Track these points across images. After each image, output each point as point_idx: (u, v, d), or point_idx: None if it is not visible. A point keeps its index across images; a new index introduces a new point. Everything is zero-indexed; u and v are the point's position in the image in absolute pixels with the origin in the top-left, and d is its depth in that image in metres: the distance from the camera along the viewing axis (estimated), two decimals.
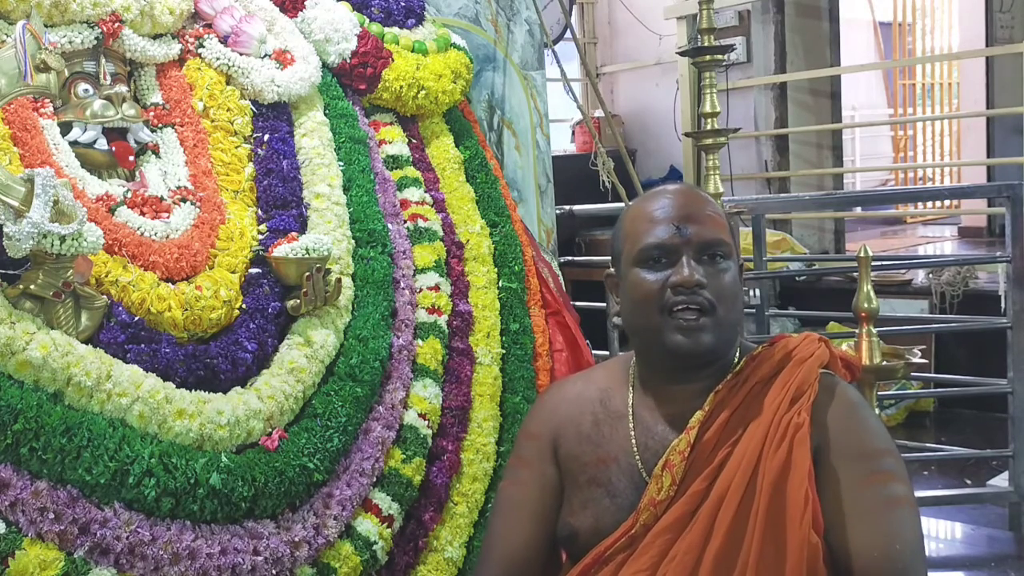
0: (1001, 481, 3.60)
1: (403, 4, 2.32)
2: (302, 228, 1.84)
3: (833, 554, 1.23)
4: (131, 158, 1.74)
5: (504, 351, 2.12)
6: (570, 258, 4.56)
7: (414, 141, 2.24)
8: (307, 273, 1.71)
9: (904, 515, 1.23)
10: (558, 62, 3.06)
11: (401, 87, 2.16)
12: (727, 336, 1.32)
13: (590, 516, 1.36)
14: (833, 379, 1.33)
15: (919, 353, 1.99)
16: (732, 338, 1.35)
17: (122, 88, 1.73)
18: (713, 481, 1.27)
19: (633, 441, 1.36)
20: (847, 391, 1.33)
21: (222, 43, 1.93)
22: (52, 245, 1.36)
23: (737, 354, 1.38)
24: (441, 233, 2.13)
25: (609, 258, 1.45)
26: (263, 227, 1.81)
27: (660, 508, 1.28)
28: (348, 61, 2.10)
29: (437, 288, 2.03)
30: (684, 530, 1.26)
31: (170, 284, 1.60)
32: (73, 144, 1.66)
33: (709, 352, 1.31)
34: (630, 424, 1.38)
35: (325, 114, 2.03)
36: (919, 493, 2.42)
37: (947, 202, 8.14)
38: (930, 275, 4.99)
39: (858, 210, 7.08)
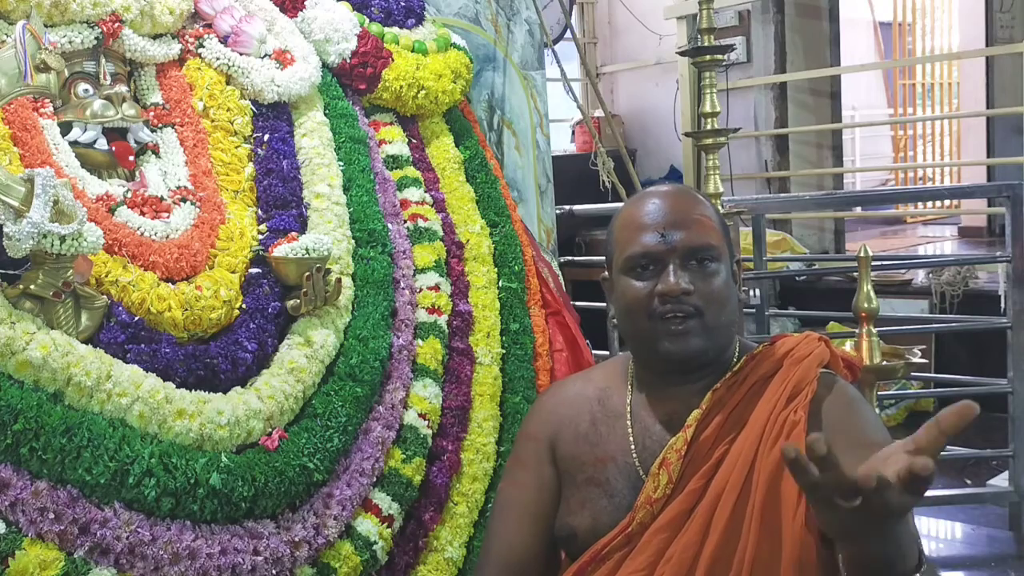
0: (1001, 481, 3.60)
1: (403, 4, 2.32)
2: (302, 228, 1.83)
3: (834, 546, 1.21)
4: (131, 158, 1.73)
5: (504, 351, 2.11)
6: (570, 258, 4.56)
7: (414, 141, 2.24)
8: (307, 273, 1.71)
9: None
10: (558, 62, 3.06)
11: (401, 87, 2.16)
12: (719, 338, 1.33)
13: (588, 516, 1.36)
14: (833, 377, 1.33)
15: (919, 353, 2.00)
16: (725, 340, 1.35)
17: (122, 88, 1.73)
18: (710, 479, 1.27)
19: (631, 440, 1.36)
20: (846, 388, 1.32)
21: (222, 43, 1.93)
22: (52, 245, 1.35)
23: (736, 353, 1.38)
24: (441, 233, 2.12)
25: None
26: (263, 227, 1.81)
27: (657, 506, 1.28)
28: (348, 61, 2.09)
29: (437, 288, 2.03)
30: (681, 529, 1.25)
31: (170, 284, 1.59)
32: (73, 144, 1.66)
33: (699, 355, 1.31)
34: (628, 424, 1.38)
35: (325, 114, 2.02)
36: None
37: (947, 202, 8.14)
38: (930, 275, 4.98)
39: (858, 210, 7.08)
